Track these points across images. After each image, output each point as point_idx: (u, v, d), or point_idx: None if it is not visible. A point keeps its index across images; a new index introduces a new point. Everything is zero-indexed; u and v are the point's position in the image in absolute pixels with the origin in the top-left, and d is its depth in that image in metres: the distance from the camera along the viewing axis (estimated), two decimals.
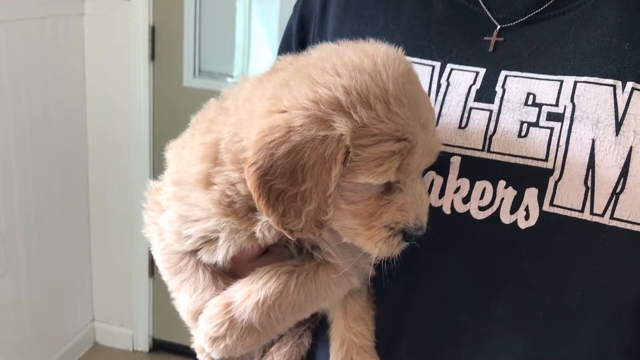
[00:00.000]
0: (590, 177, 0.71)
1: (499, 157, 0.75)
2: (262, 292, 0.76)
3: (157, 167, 2.95)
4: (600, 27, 0.77)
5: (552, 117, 0.74)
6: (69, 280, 3.06)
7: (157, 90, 2.91)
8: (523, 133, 0.74)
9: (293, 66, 0.74)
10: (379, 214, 0.71)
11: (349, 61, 0.69)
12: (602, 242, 0.71)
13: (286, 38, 1.06)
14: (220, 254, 0.78)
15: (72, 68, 2.84)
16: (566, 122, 0.73)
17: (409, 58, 0.84)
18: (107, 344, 3.29)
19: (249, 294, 0.77)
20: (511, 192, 0.74)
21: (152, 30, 2.81)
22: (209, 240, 0.78)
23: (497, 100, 0.78)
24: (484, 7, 0.85)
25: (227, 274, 0.83)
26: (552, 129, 0.73)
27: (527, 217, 0.73)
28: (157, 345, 3.27)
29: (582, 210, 0.71)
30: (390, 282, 0.80)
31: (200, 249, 0.80)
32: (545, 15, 0.81)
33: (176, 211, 0.79)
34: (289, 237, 0.71)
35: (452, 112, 0.80)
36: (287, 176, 0.66)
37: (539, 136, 0.74)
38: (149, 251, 3.15)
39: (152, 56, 2.85)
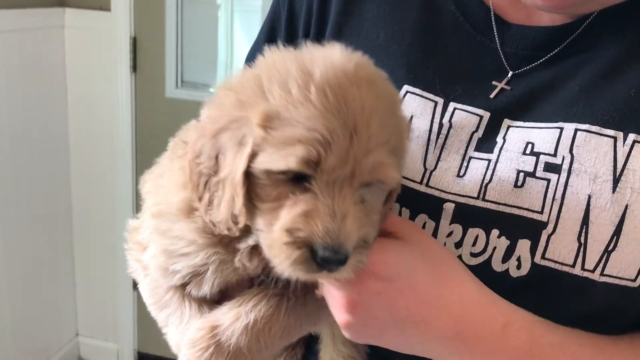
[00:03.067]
0: (584, 234, 0.70)
1: (493, 207, 0.74)
2: (252, 315, 0.72)
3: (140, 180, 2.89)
4: (608, 71, 0.74)
5: (549, 167, 0.72)
6: (52, 294, 3.02)
7: (140, 101, 2.89)
8: (519, 183, 0.73)
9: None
10: (280, 212, 0.63)
11: (298, 55, 0.66)
12: (591, 294, 0.71)
13: (270, 29, 1.01)
14: (206, 287, 0.75)
15: (53, 80, 2.81)
16: (563, 174, 0.72)
17: (410, 87, 0.83)
18: (92, 359, 3.25)
19: (237, 316, 0.72)
20: (504, 242, 0.73)
21: (134, 41, 2.80)
22: (197, 274, 0.75)
23: (496, 150, 0.76)
24: (497, 43, 0.83)
25: (215, 302, 0.79)
26: (549, 181, 0.72)
27: (518, 267, 0.72)
28: (143, 359, 3.23)
29: (573, 266, 0.70)
30: None
31: (188, 282, 0.76)
32: (558, 54, 0.78)
33: (160, 245, 0.76)
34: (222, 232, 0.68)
35: (451, 159, 0.79)
36: (212, 160, 0.65)
37: (535, 187, 0.72)
38: None
39: (134, 67, 2.83)
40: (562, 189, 0.71)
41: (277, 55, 0.68)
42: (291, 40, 0.94)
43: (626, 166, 0.70)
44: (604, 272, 0.69)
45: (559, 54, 0.78)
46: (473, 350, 0.70)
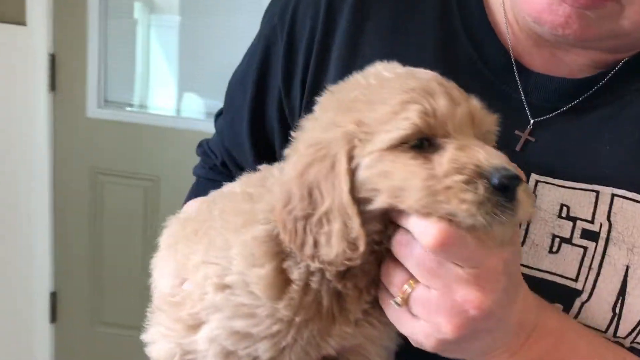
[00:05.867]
0: (619, 304, 0.69)
1: (526, 271, 0.71)
2: None
3: (58, 206, 2.81)
4: (636, 130, 0.73)
5: (586, 235, 0.70)
6: None
7: (59, 122, 2.75)
8: (555, 249, 0.71)
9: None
10: (436, 162, 0.57)
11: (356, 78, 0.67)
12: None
13: (265, 56, 0.90)
14: None
15: None
16: (601, 242, 0.70)
17: None
18: None
19: None
20: None
21: (52, 58, 2.67)
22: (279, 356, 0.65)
23: None
24: (521, 93, 0.77)
25: None
26: (586, 249, 0.70)
27: None
28: None
29: (605, 332, 0.70)
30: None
31: None
32: (579, 107, 0.75)
33: (228, 327, 0.64)
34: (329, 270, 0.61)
35: None
36: (305, 200, 0.59)
37: (571, 254, 0.70)
38: (51, 294, 2.96)
39: (52, 86, 2.70)
40: (600, 258, 0.70)
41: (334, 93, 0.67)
42: (288, 65, 0.87)
43: None
44: (635, 340, 0.70)
45: (577, 106, 0.75)
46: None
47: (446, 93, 0.59)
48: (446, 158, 0.56)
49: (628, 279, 0.69)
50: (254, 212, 0.65)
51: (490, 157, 0.56)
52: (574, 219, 0.71)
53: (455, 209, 0.54)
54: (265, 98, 0.89)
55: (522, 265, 0.68)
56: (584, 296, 0.69)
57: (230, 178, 0.95)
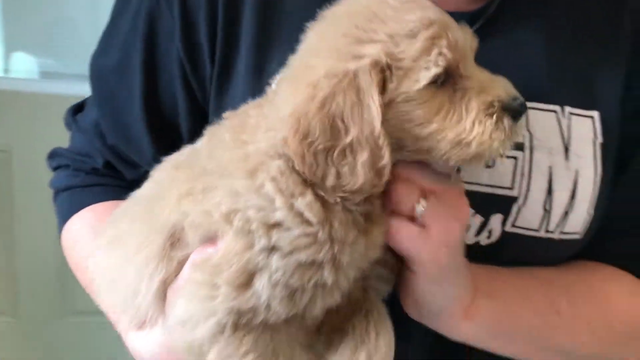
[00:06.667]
0: (548, 202, 0.77)
1: (468, 187, 0.75)
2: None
3: None
4: (531, 50, 0.79)
5: (515, 146, 0.75)
6: None
7: None
8: (490, 163, 0.77)
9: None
10: (464, 106, 0.62)
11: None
12: (550, 250, 0.80)
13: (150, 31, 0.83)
14: (332, 299, 0.64)
15: None
16: (527, 151, 0.77)
17: None
18: None
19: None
20: (478, 219, 0.77)
21: None
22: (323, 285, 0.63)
23: None
24: None
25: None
26: (516, 159, 0.77)
27: (489, 237, 0.78)
28: None
29: (538, 230, 0.78)
30: None
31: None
32: (484, 31, 0.76)
33: (291, 262, 0.62)
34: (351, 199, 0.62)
35: None
36: (328, 132, 0.59)
37: (504, 166, 0.77)
38: None
39: None
40: (529, 164, 0.77)
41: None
42: (189, 38, 0.80)
43: (570, 136, 0.78)
44: (562, 231, 0.78)
45: (483, 27, 0.79)
46: None
47: (455, 25, 0.63)
48: (474, 104, 0.62)
49: (552, 177, 0.77)
50: (259, 152, 0.63)
51: (506, 89, 0.64)
52: None
53: (486, 150, 0.62)
54: (159, 80, 0.84)
55: (464, 182, 0.75)
56: (520, 201, 0.77)
57: (120, 179, 0.92)
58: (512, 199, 0.78)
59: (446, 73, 0.62)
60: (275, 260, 0.60)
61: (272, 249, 0.61)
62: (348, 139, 0.60)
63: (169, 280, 0.67)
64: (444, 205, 0.65)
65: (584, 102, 0.79)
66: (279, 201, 0.61)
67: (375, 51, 0.60)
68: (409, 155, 0.64)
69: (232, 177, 0.63)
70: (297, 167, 0.61)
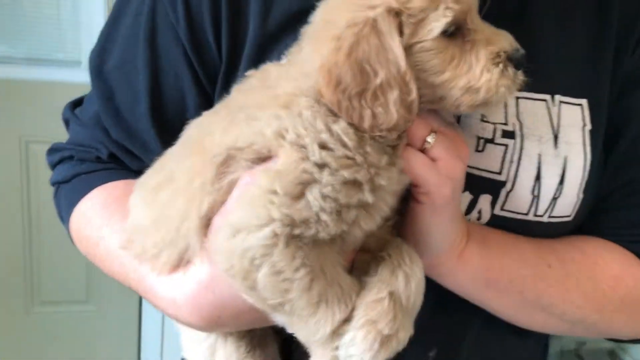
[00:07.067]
0: (537, 188, 0.81)
1: None
2: (417, 272, 0.71)
3: None
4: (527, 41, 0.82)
5: (506, 134, 0.80)
6: None
7: None
8: (480, 148, 0.81)
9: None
10: (473, 56, 0.68)
11: None
12: (538, 231, 0.84)
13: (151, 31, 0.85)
14: (378, 217, 0.70)
15: None
16: (518, 139, 0.81)
17: None
18: None
19: (406, 277, 0.69)
20: (467, 196, 0.81)
21: None
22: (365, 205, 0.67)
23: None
24: None
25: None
26: (507, 146, 0.81)
27: (479, 218, 0.82)
28: None
29: (527, 214, 0.82)
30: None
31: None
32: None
33: (338, 178, 0.65)
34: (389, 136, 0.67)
35: None
36: (358, 77, 0.64)
37: (494, 152, 0.81)
38: None
39: None
40: (519, 152, 0.81)
41: None
42: (193, 26, 0.82)
43: (560, 124, 0.82)
44: (551, 215, 0.83)
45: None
46: None
47: None
48: (482, 54, 0.68)
49: (541, 164, 0.82)
50: (287, 93, 0.68)
51: (510, 41, 0.69)
52: (493, 123, 0.81)
53: (493, 95, 0.68)
54: (164, 78, 0.85)
55: None
56: (508, 186, 0.82)
57: (126, 167, 0.92)
58: (501, 183, 0.82)
59: (455, 25, 0.67)
60: (326, 176, 0.64)
61: (322, 165, 0.65)
62: (378, 81, 0.65)
63: (216, 206, 0.69)
64: (450, 143, 0.71)
65: (573, 90, 0.83)
66: (319, 124, 0.66)
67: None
68: (422, 107, 0.68)
69: (270, 108, 0.67)
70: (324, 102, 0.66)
